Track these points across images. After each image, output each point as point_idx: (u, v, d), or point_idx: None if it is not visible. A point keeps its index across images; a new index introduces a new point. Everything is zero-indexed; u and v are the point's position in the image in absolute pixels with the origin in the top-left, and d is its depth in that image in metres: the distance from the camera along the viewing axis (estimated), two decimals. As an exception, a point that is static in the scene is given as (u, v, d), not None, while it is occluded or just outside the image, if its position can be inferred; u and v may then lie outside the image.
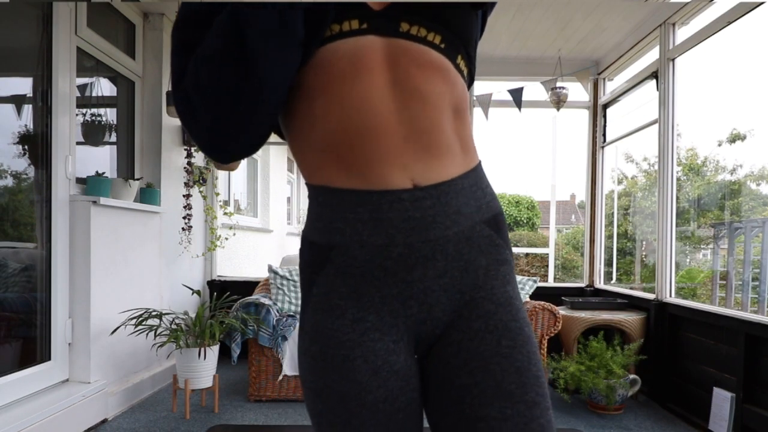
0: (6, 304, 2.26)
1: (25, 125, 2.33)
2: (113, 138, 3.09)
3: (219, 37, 0.60)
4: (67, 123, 2.46)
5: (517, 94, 3.66)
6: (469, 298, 0.69)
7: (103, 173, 2.59)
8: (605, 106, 3.99)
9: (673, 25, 2.98)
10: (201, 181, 3.61)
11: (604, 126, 4.01)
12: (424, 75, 0.66)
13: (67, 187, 2.47)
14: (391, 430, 0.68)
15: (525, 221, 12.71)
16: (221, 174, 4.22)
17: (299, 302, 3.22)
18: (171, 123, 3.36)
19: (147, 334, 2.59)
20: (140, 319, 2.55)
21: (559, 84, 3.69)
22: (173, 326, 2.66)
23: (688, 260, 6.89)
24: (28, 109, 2.36)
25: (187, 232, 3.51)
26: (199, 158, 3.62)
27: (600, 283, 3.97)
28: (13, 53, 2.35)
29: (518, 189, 25.60)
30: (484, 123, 3.91)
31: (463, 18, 0.70)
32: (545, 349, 2.95)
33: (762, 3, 2.28)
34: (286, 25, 0.59)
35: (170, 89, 2.90)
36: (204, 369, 2.62)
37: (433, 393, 0.70)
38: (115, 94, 3.12)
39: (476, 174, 0.72)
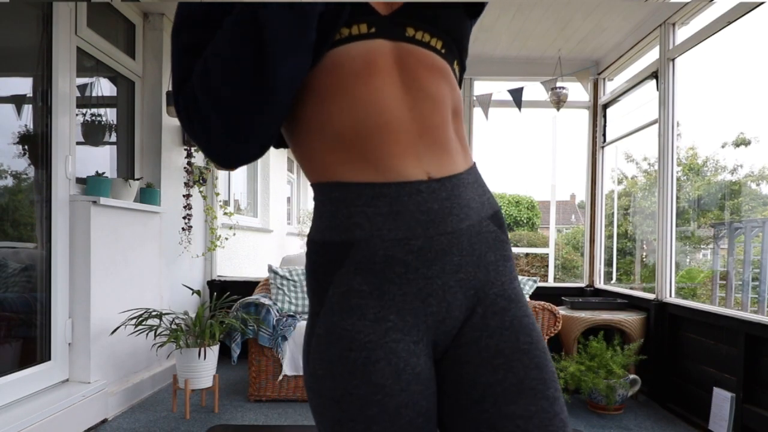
0: (6, 304, 2.26)
1: (25, 125, 2.33)
2: (113, 138, 3.09)
3: (234, 37, 0.60)
4: (67, 123, 2.46)
5: (517, 94, 3.66)
6: (483, 295, 0.69)
7: (103, 173, 2.59)
8: (605, 106, 3.99)
9: (673, 25, 2.98)
10: (201, 181, 3.61)
11: (604, 126, 4.01)
12: (431, 77, 0.69)
13: (67, 187, 2.47)
14: None
15: (525, 221, 12.70)
16: (221, 174, 4.22)
17: (299, 302, 3.21)
18: (171, 123, 3.36)
19: (147, 334, 2.59)
20: (140, 319, 2.55)
21: (559, 84, 3.69)
22: (173, 326, 2.66)
23: (688, 260, 6.89)
24: (28, 109, 2.36)
25: (187, 232, 3.51)
26: (199, 158, 3.62)
27: (600, 283, 3.97)
28: (13, 53, 2.35)
29: (518, 189, 25.65)
30: (484, 123, 3.92)
31: (462, 27, 0.75)
32: (545, 349, 2.95)
33: (762, 3, 2.28)
34: (304, 27, 0.60)
35: (170, 89, 2.90)
36: (204, 369, 2.62)
37: (450, 396, 0.68)
38: (115, 94, 3.12)
39: (476, 172, 0.74)
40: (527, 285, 3.31)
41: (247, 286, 3.78)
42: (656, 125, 3.09)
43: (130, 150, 3.19)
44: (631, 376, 2.77)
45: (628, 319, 3.04)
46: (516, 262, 0.82)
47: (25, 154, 2.32)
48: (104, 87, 3.02)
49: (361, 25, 0.67)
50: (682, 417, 2.73)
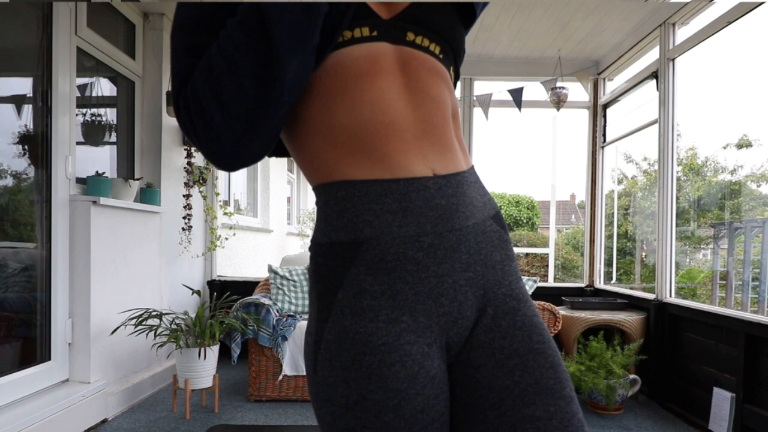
0: (6, 304, 2.26)
1: (25, 125, 2.33)
2: (113, 138, 3.09)
3: (240, 35, 0.60)
4: (67, 123, 2.46)
5: (517, 94, 3.66)
6: (492, 295, 0.69)
7: (103, 173, 2.59)
8: (605, 106, 3.99)
9: (673, 25, 2.98)
10: (201, 181, 3.61)
11: (604, 126, 4.01)
12: (433, 79, 0.71)
13: (67, 187, 2.47)
14: None
15: (525, 221, 12.70)
16: (221, 174, 4.22)
17: (299, 302, 3.21)
18: (171, 123, 3.36)
19: (147, 334, 2.59)
20: (140, 319, 2.55)
21: (559, 84, 3.69)
22: (173, 326, 2.66)
23: (688, 260, 6.89)
24: (28, 109, 2.36)
25: (187, 232, 3.51)
26: (199, 158, 3.63)
27: (600, 283, 3.97)
28: (13, 53, 2.35)
29: (518, 189, 25.66)
30: (484, 123, 3.91)
31: (458, 34, 0.76)
32: (545, 349, 2.95)
33: (762, 3, 2.28)
34: (311, 27, 0.61)
35: (170, 89, 2.91)
36: (204, 369, 2.62)
37: (462, 401, 0.66)
38: (115, 94, 3.12)
39: (476, 173, 0.75)
40: (527, 285, 3.31)
41: (247, 286, 3.78)
42: (656, 125, 3.09)
43: (130, 150, 3.19)
44: (631, 376, 2.77)
45: (628, 319, 3.04)
46: (516, 261, 0.82)
47: (25, 154, 2.32)
48: (104, 87, 3.02)
49: (363, 29, 0.68)
50: (682, 417, 2.73)
